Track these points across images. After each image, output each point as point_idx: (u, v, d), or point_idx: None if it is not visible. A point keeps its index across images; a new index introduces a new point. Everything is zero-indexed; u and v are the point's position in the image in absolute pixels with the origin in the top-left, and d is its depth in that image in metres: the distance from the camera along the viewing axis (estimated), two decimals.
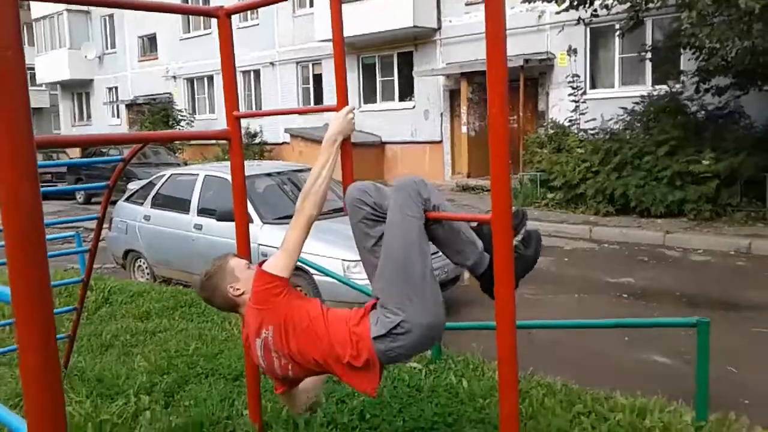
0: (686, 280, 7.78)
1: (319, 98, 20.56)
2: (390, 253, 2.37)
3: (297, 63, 21.25)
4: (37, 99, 39.98)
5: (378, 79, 19.25)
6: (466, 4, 16.54)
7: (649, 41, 13.41)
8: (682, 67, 12.50)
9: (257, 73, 22.51)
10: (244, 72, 22.14)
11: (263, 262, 2.45)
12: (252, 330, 2.43)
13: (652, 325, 5.31)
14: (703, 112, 11.94)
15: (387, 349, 2.33)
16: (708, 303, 6.80)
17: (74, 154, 24.70)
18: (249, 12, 20.94)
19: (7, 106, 1.20)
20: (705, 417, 3.45)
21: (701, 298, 7.01)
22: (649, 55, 13.18)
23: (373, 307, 2.42)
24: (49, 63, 30.18)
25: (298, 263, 6.07)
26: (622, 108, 12.75)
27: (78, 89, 31.27)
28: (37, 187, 1.25)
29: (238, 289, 2.49)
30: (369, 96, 19.43)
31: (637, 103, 12.63)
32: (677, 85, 12.23)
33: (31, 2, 28.66)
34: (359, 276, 6.01)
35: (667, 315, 6.25)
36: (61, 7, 28.38)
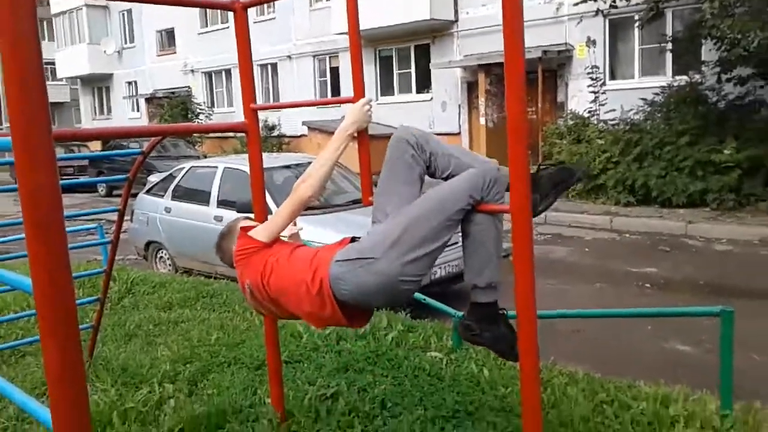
0: (709, 270, 7.71)
1: (336, 91, 20.57)
2: (424, 202, 2.34)
3: (314, 56, 21.25)
4: (58, 94, 40.40)
5: (395, 71, 19.20)
6: None
7: (669, 32, 13.24)
8: (703, 58, 12.34)
9: (274, 66, 22.55)
10: (261, 65, 22.20)
11: (249, 228, 2.58)
12: (240, 283, 2.59)
13: (675, 315, 5.27)
14: (724, 102, 11.79)
15: (340, 275, 2.29)
16: (731, 292, 6.73)
17: (95, 147, 24.94)
18: (266, 5, 20.96)
19: (25, 100, 1.22)
20: (730, 406, 3.43)
21: (724, 288, 6.94)
22: (669, 45, 13.03)
23: (352, 241, 2.45)
24: (68, 58, 30.44)
25: None
26: (642, 99, 12.63)
27: (98, 83, 31.52)
28: (56, 179, 1.26)
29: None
30: (386, 88, 19.40)
31: (657, 94, 12.50)
32: (697, 76, 12.08)
33: None
34: None
35: (690, 304, 6.20)
36: (80, 2, 28.64)
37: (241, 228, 2.59)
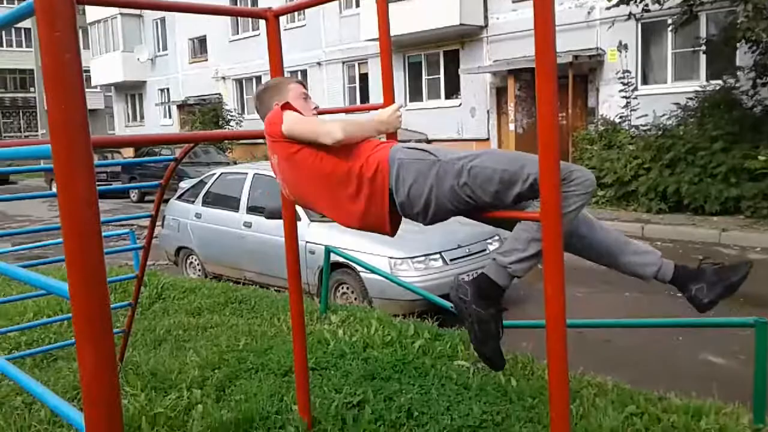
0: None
1: (365, 97, 20.63)
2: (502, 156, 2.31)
3: (343, 62, 21.35)
4: (92, 101, 41.12)
5: (424, 77, 19.20)
6: (513, 1, 16.36)
7: (703, 35, 13.04)
8: (738, 62, 12.12)
9: (304, 73, 22.69)
10: (291, 72, 22.32)
11: (286, 105, 2.52)
12: (268, 149, 2.59)
13: (707, 325, 5.16)
14: (759, 107, 11.57)
15: (401, 161, 2.27)
16: (766, 302, 6.58)
17: (128, 153, 25.33)
18: (296, 13, 21.13)
19: (65, 107, 1.24)
20: (763, 420, 3.35)
21: (759, 298, 6.78)
22: (703, 48, 12.83)
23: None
24: (103, 65, 31.01)
25: (345, 260, 6.10)
26: (675, 103, 12.45)
27: (131, 91, 32.04)
28: (94, 185, 1.28)
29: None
30: (415, 94, 19.40)
31: (690, 99, 12.31)
32: (732, 80, 11.87)
33: (86, 6, 29.45)
34: (405, 273, 6.02)
35: (723, 314, 6.05)
36: (115, 10, 29.12)
37: (282, 106, 2.51)
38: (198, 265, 8.46)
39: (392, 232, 2.45)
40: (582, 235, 2.44)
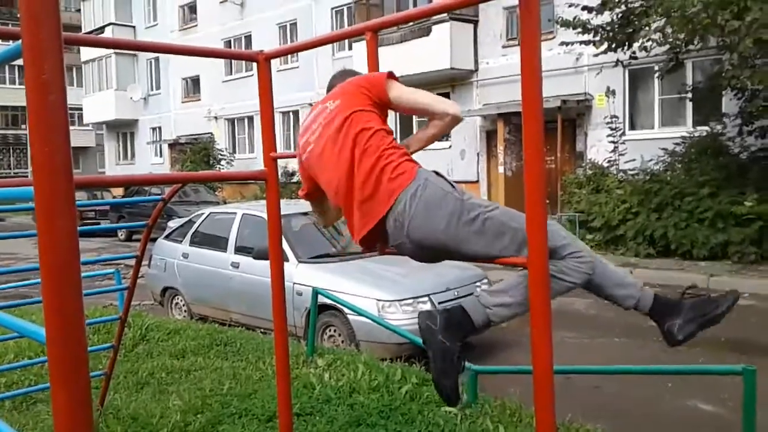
0: (731, 325, 7.50)
1: None
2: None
3: None
4: (84, 138, 41.26)
5: (414, 119, 19.37)
6: (503, 47, 16.66)
7: (689, 82, 13.29)
8: (723, 109, 12.32)
9: (296, 113, 22.87)
10: (283, 113, 22.53)
11: (393, 75, 2.49)
12: (328, 97, 2.50)
13: (696, 372, 5.14)
14: (746, 154, 11.72)
15: (427, 180, 2.27)
16: (754, 349, 6.57)
17: (118, 191, 25.29)
18: (289, 55, 21.40)
19: (49, 149, 1.23)
20: None
21: (747, 344, 6.77)
22: (689, 96, 13.05)
23: None
24: (96, 103, 31.17)
25: (332, 302, 6.05)
26: (663, 149, 12.60)
27: (123, 129, 32.15)
28: (75, 226, 1.26)
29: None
30: (406, 136, 19.52)
31: (677, 144, 12.47)
32: (719, 126, 12.05)
33: (81, 46, 29.70)
34: (393, 316, 5.98)
35: (712, 361, 6.05)
36: (109, 50, 29.38)
37: (389, 74, 2.49)
38: (184, 305, 8.37)
39: (368, 245, 2.41)
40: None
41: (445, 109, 2.42)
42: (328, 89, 2.68)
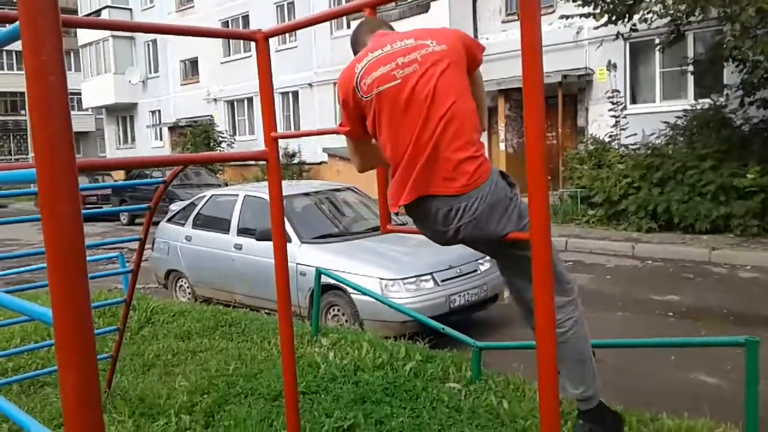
0: (734, 298, 7.57)
1: None
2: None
3: (334, 83, 21.30)
4: (83, 123, 41.16)
5: None
6: (503, 22, 16.53)
7: (690, 55, 13.20)
8: (725, 81, 12.26)
9: (295, 94, 22.78)
10: (282, 93, 22.44)
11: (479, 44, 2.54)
12: (420, 36, 2.42)
13: (698, 345, 5.17)
14: (748, 126, 11.67)
15: (498, 181, 2.36)
16: (757, 321, 6.59)
17: (119, 175, 25.28)
18: (288, 34, 21.27)
19: (50, 131, 1.23)
20: None
21: (750, 316, 6.80)
22: (691, 68, 12.98)
23: None
24: (94, 88, 31.04)
25: (336, 282, 6.07)
26: (664, 122, 12.55)
27: (122, 113, 32.05)
28: (79, 208, 1.26)
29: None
30: None
31: (679, 117, 12.42)
32: (720, 99, 11.99)
33: (78, 29, 29.56)
34: (397, 295, 6.00)
35: (715, 333, 6.08)
36: (107, 33, 29.22)
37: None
38: (188, 288, 8.41)
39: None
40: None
41: (483, 117, 2.48)
42: (358, 42, 2.71)
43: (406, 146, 2.32)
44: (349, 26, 19.46)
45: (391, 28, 2.65)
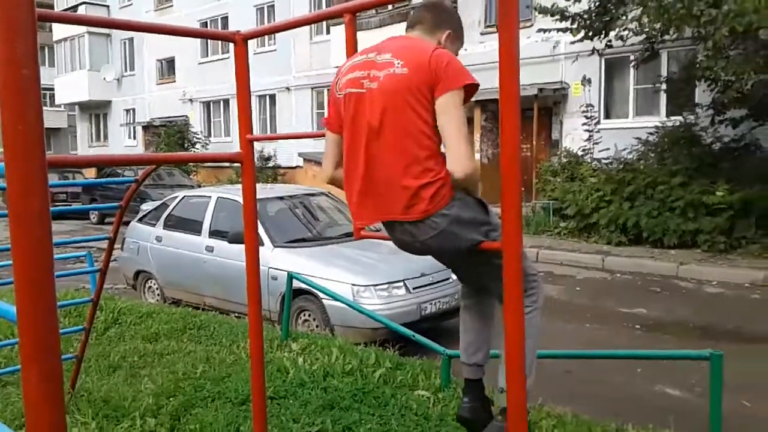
0: (700, 312, 7.69)
1: None
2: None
3: (312, 88, 21.42)
4: (55, 119, 40.52)
5: None
6: (482, 34, 16.65)
7: (664, 72, 13.43)
8: (697, 99, 12.48)
9: (273, 97, 22.71)
10: (260, 96, 22.36)
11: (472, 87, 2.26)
12: (397, 52, 2.31)
13: (664, 357, 5.24)
14: (718, 144, 11.89)
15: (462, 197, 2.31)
16: (722, 335, 6.70)
17: (90, 174, 24.94)
18: (267, 38, 21.21)
19: (21, 123, 1.21)
20: None
21: (715, 330, 6.91)
22: (664, 86, 13.20)
23: None
24: (68, 84, 30.61)
25: (307, 287, 6.04)
26: (637, 138, 12.74)
27: (96, 110, 31.66)
28: (47, 205, 1.24)
29: (442, 43, 2.46)
30: None
31: (651, 134, 12.61)
32: (691, 117, 12.20)
33: (52, 24, 29.18)
34: (368, 301, 5.99)
35: (680, 347, 6.17)
36: (83, 29, 28.86)
37: (470, 84, 2.24)
38: (157, 289, 8.31)
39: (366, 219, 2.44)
40: (486, 313, 2.85)
41: (459, 143, 2.24)
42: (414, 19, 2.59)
43: (355, 160, 2.34)
44: (328, 32, 19.47)
45: (418, 29, 2.60)
